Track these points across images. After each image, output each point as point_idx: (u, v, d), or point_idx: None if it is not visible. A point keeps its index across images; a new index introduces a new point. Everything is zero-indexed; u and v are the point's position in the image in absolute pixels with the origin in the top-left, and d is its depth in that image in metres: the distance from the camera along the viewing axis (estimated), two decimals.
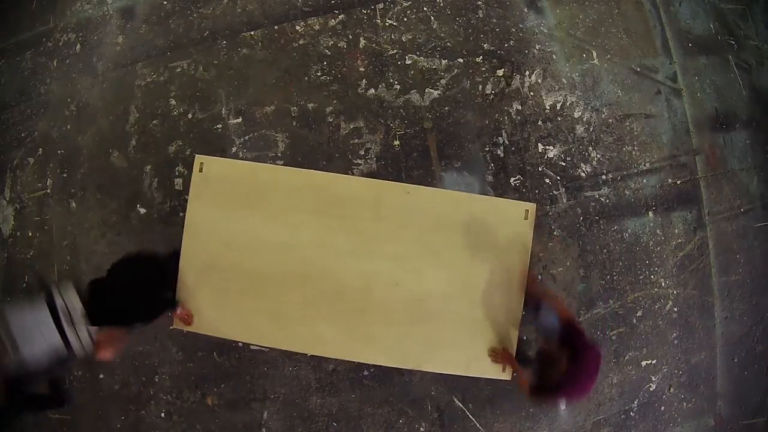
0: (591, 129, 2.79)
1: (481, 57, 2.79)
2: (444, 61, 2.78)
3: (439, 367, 2.18)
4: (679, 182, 2.82)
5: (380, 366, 2.46)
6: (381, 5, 2.82)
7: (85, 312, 1.59)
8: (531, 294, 2.16)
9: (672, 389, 2.76)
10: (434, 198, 2.17)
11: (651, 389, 2.74)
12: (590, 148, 2.77)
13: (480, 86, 2.74)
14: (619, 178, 2.78)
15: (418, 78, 2.75)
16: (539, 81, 2.76)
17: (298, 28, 2.81)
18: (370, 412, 2.66)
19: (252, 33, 2.78)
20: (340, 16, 2.82)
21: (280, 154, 2.73)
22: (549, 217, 2.71)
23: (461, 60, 2.79)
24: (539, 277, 2.63)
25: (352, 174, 2.68)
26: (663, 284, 2.76)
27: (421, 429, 2.66)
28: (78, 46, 2.89)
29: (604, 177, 2.77)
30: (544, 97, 2.77)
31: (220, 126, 2.72)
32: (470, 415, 2.64)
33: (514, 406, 2.65)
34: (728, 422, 2.81)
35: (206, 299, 2.14)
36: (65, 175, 2.82)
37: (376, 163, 2.72)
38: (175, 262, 2.14)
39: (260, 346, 2.60)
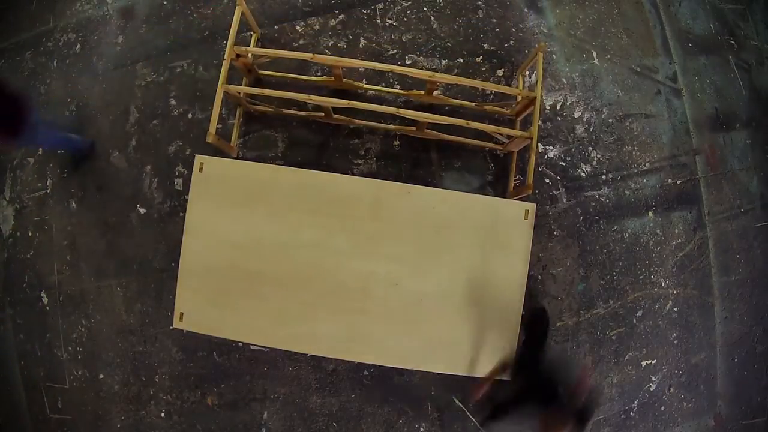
0: (591, 129, 2.79)
1: (481, 57, 2.79)
2: (444, 61, 2.78)
3: (439, 367, 2.17)
4: (679, 182, 2.82)
5: (380, 366, 2.46)
6: (381, 5, 2.82)
7: None
8: None
9: (672, 389, 2.76)
10: (434, 198, 2.17)
11: (651, 389, 2.74)
12: (590, 148, 2.77)
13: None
14: (619, 178, 2.77)
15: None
16: None
17: (298, 28, 2.81)
18: (370, 412, 2.66)
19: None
20: (340, 16, 2.82)
21: (280, 154, 2.73)
22: (549, 217, 2.71)
23: (461, 60, 2.78)
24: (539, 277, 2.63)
25: (352, 174, 2.67)
26: (663, 284, 2.76)
27: (421, 429, 2.65)
28: (78, 46, 2.89)
29: (604, 177, 2.77)
30: (544, 97, 2.77)
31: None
32: (470, 415, 2.64)
33: None
34: (728, 422, 2.81)
35: (206, 299, 2.14)
36: (65, 175, 2.82)
37: (376, 163, 2.72)
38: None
39: (260, 346, 2.60)
